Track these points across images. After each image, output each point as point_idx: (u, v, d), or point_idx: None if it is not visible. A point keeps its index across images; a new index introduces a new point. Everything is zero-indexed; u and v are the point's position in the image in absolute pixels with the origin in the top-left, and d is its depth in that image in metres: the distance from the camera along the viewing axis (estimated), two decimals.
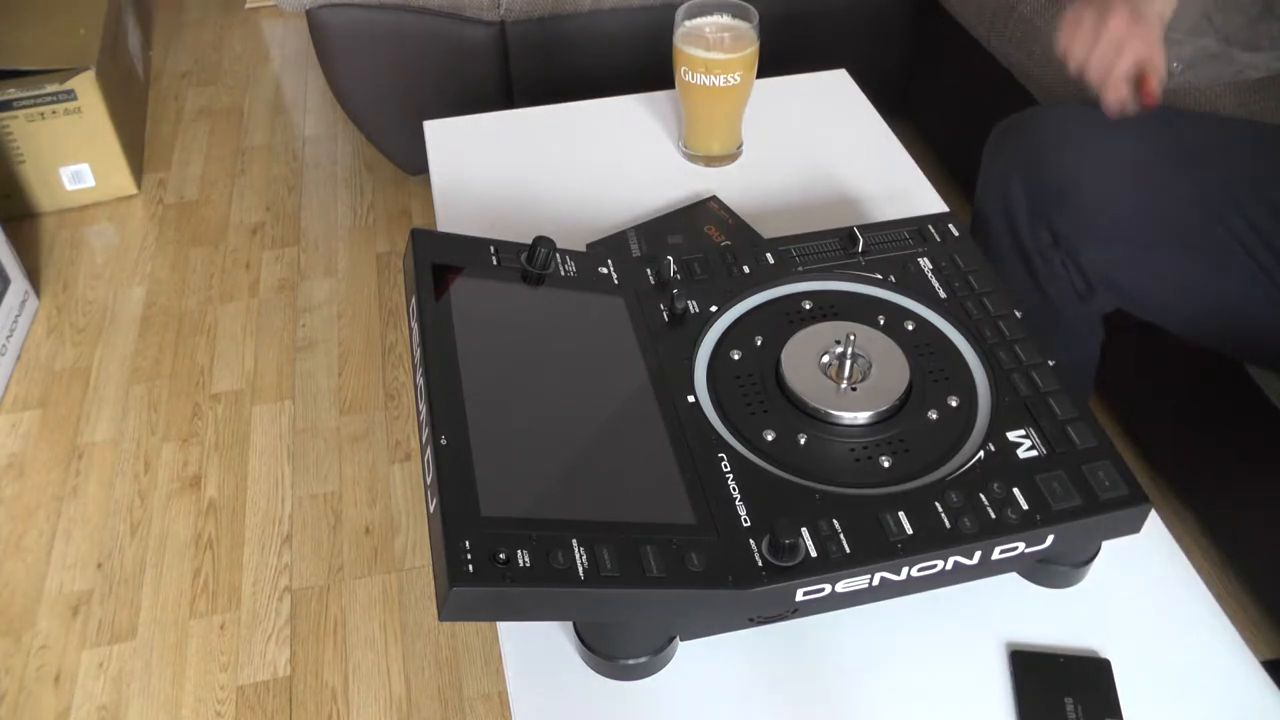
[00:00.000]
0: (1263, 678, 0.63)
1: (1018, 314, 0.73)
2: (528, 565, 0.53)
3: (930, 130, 1.94)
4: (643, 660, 0.62)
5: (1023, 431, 0.65)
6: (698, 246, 0.88)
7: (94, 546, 1.36)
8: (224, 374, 1.61)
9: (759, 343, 0.71)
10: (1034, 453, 0.64)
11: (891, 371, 0.69)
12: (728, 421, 0.66)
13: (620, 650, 0.62)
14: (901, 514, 0.60)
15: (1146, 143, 0.92)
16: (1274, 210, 0.86)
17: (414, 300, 0.69)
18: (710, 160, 1.05)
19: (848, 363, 0.68)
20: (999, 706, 0.61)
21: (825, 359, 0.69)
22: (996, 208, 0.97)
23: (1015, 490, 0.61)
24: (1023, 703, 0.61)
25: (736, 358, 0.71)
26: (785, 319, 0.74)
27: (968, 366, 0.70)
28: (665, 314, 0.74)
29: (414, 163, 1.86)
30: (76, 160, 1.89)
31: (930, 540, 0.59)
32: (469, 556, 0.52)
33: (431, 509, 0.56)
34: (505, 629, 0.66)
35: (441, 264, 0.72)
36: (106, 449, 1.49)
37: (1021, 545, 0.60)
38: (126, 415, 1.54)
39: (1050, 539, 0.60)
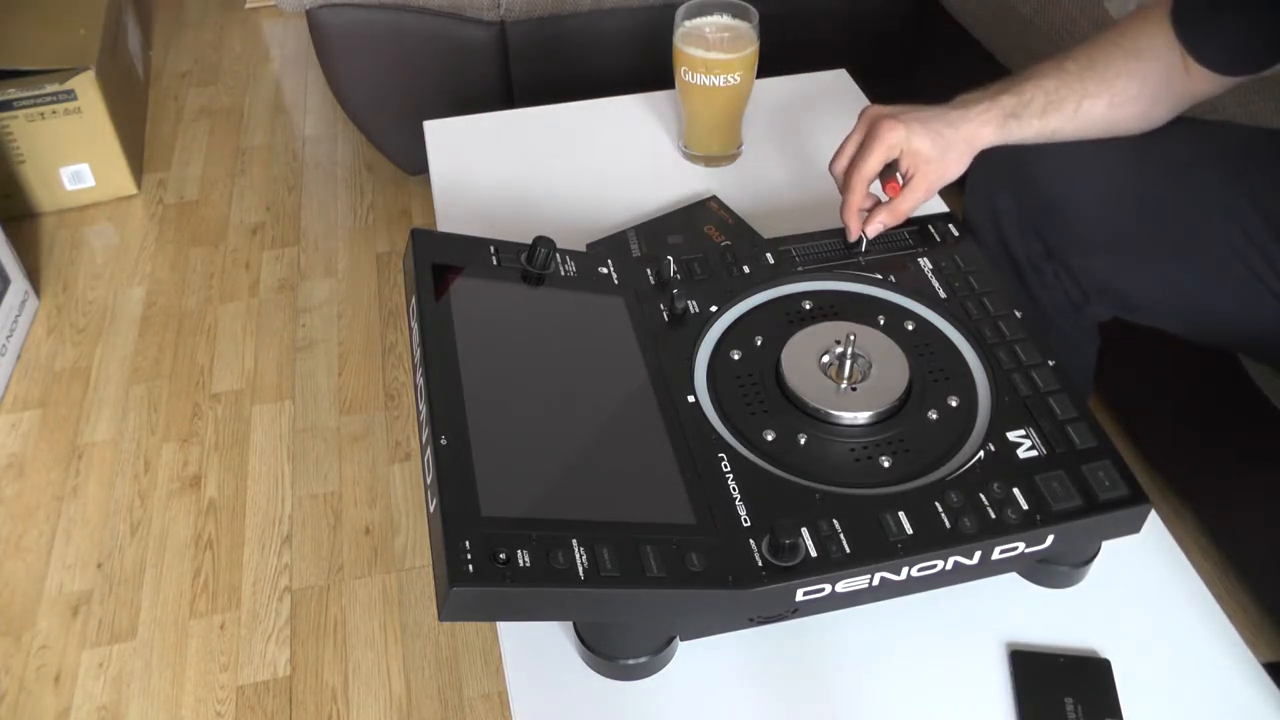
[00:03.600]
0: (1263, 678, 0.63)
1: (1018, 314, 0.73)
2: (528, 565, 0.53)
3: None
4: (643, 660, 0.62)
5: (1023, 431, 0.65)
6: (698, 246, 0.88)
7: (94, 546, 1.36)
8: (224, 374, 1.61)
9: (759, 343, 0.71)
10: (1034, 453, 0.64)
11: (891, 371, 0.68)
12: (728, 421, 0.66)
13: (620, 650, 0.62)
14: (901, 514, 0.60)
15: (1134, 150, 0.92)
16: (1264, 213, 0.86)
17: (414, 300, 0.69)
18: (710, 160, 1.05)
19: (848, 363, 0.68)
20: (999, 706, 0.61)
21: (825, 359, 0.69)
22: (984, 219, 0.97)
23: (1015, 490, 0.61)
24: (1023, 703, 0.61)
25: (736, 358, 0.71)
26: (785, 319, 0.74)
27: (968, 366, 0.70)
28: (665, 314, 0.74)
29: (414, 163, 1.86)
30: (76, 160, 1.88)
31: (930, 540, 0.59)
32: (469, 556, 0.52)
33: (431, 509, 0.56)
34: (505, 629, 0.66)
35: (441, 264, 0.72)
36: (106, 449, 1.49)
37: (1021, 545, 0.60)
38: (126, 415, 1.54)
39: (1050, 539, 0.60)
